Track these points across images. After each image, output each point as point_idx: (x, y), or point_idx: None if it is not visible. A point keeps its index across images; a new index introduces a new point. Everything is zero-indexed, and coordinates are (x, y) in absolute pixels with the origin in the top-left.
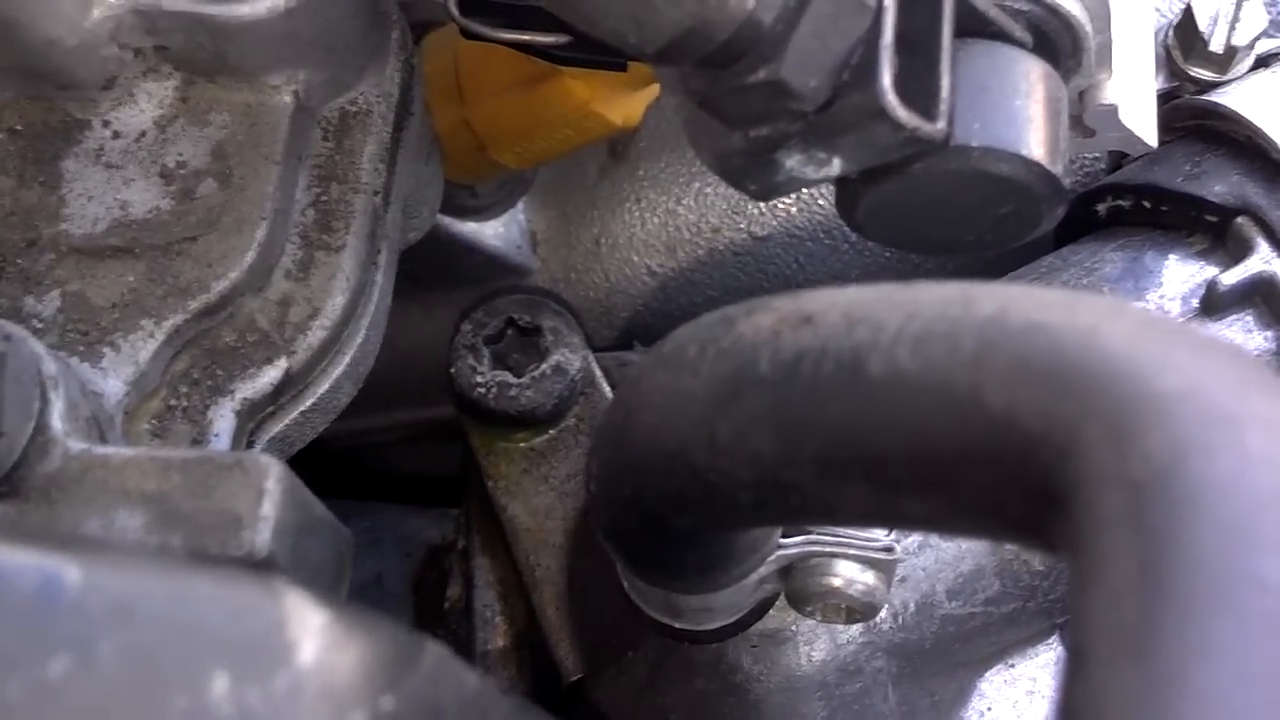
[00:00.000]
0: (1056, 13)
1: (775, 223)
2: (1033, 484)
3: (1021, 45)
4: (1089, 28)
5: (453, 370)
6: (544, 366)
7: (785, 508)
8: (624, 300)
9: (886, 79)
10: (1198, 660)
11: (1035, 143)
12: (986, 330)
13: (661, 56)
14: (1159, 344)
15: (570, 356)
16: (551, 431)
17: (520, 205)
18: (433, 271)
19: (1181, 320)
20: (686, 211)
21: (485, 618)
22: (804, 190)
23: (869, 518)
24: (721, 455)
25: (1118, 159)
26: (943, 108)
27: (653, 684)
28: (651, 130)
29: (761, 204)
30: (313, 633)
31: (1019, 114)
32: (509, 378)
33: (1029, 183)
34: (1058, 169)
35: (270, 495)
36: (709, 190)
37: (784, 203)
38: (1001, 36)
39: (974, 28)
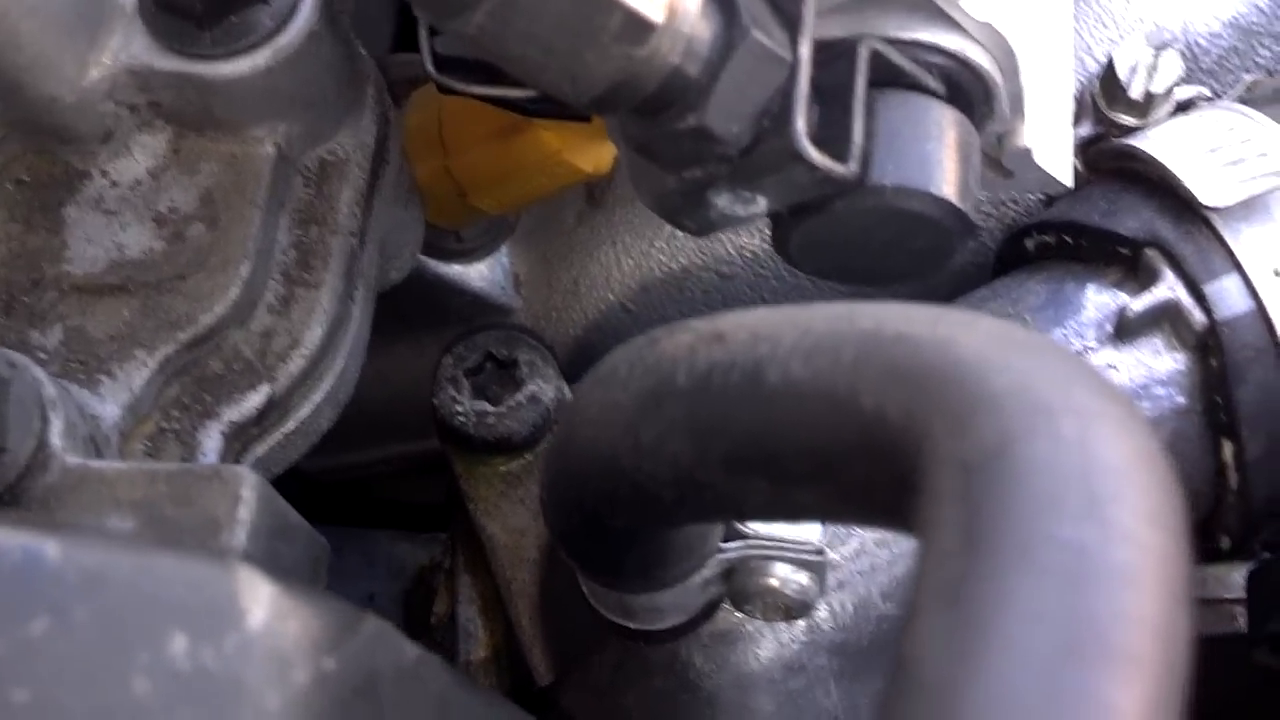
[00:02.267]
0: (967, 65)
1: (741, 263)
2: (896, 473)
3: (934, 94)
4: (999, 79)
5: (435, 401)
6: (520, 396)
7: (702, 504)
8: (601, 336)
9: (800, 125)
10: (1001, 606)
11: (945, 182)
12: (864, 342)
13: (597, 106)
14: (999, 349)
15: (544, 387)
16: (527, 456)
17: (504, 249)
18: (422, 311)
19: (1048, 335)
20: (658, 254)
21: (468, 631)
22: (766, 235)
23: (771, 510)
24: (645, 458)
25: (1051, 200)
26: (854, 151)
27: (614, 684)
28: (625, 179)
29: (728, 245)
30: (262, 601)
31: (930, 157)
32: (487, 407)
33: (939, 218)
34: (966, 206)
35: (246, 502)
36: (679, 235)
37: (750, 245)
38: (916, 86)
39: (890, 79)
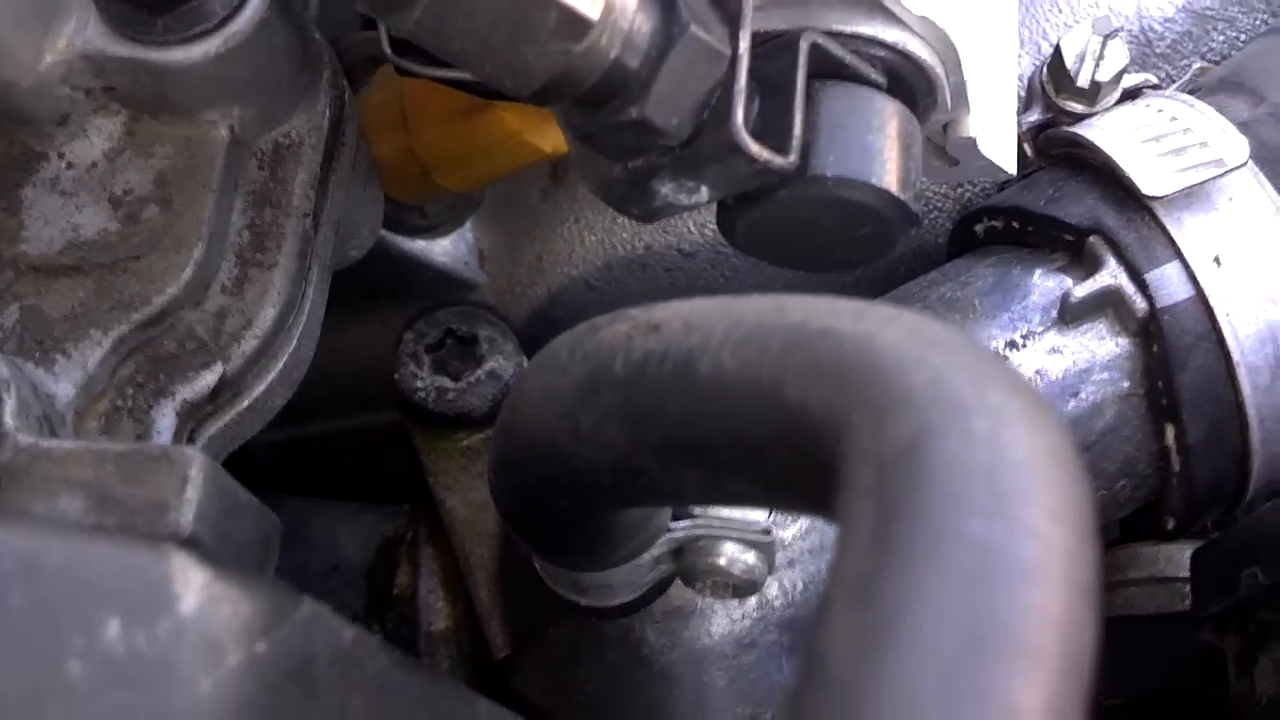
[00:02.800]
0: (908, 58)
1: (703, 240)
2: (819, 464)
3: (876, 86)
4: (940, 70)
5: (396, 376)
6: (479, 372)
7: (638, 489)
8: (565, 312)
9: (739, 118)
10: (909, 603)
11: (885, 173)
12: (790, 334)
13: (538, 98)
14: (918, 345)
15: (504, 363)
16: (487, 432)
17: (468, 225)
18: (386, 286)
19: (987, 327)
20: (621, 230)
21: (429, 602)
22: None
23: (705, 497)
24: (584, 444)
25: (1005, 185)
26: (794, 143)
27: (569, 659)
28: None
29: (691, 223)
30: (194, 587)
31: (871, 147)
32: (447, 382)
33: (879, 208)
34: (907, 195)
35: (193, 482)
36: None
37: (711, 223)
38: (857, 79)
39: (831, 71)
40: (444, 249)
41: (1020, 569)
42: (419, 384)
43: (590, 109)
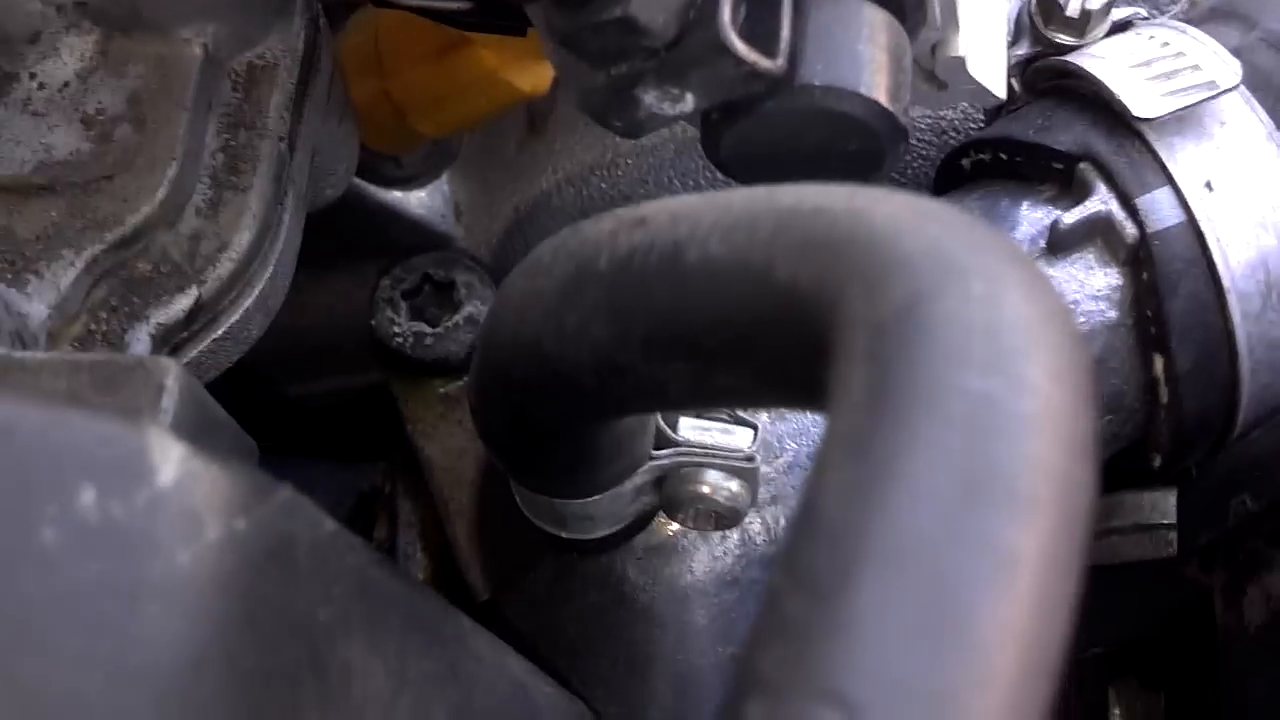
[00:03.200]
0: None
1: (683, 190)
2: (811, 344)
3: None
4: None
5: (373, 322)
6: (457, 318)
7: (624, 390)
8: None
9: (727, 16)
10: (906, 452)
11: (875, 84)
12: (781, 216)
13: None
14: (912, 217)
15: (482, 308)
16: (465, 378)
17: (445, 176)
18: (362, 239)
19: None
20: (599, 181)
21: (407, 554)
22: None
23: (693, 396)
24: (568, 344)
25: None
26: (782, 46)
27: (551, 600)
28: (567, 105)
29: (671, 174)
30: (172, 460)
31: (860, 57)
32: (425, 328)
33: (868, 120)
34: (897, 109)
35: (169, 391)
36: (620, 161)
37: (691, 170)
38: None
39: None
40: (420, 201)
41: (1018, 421)
42: (396, 330)
43: (574, 8)
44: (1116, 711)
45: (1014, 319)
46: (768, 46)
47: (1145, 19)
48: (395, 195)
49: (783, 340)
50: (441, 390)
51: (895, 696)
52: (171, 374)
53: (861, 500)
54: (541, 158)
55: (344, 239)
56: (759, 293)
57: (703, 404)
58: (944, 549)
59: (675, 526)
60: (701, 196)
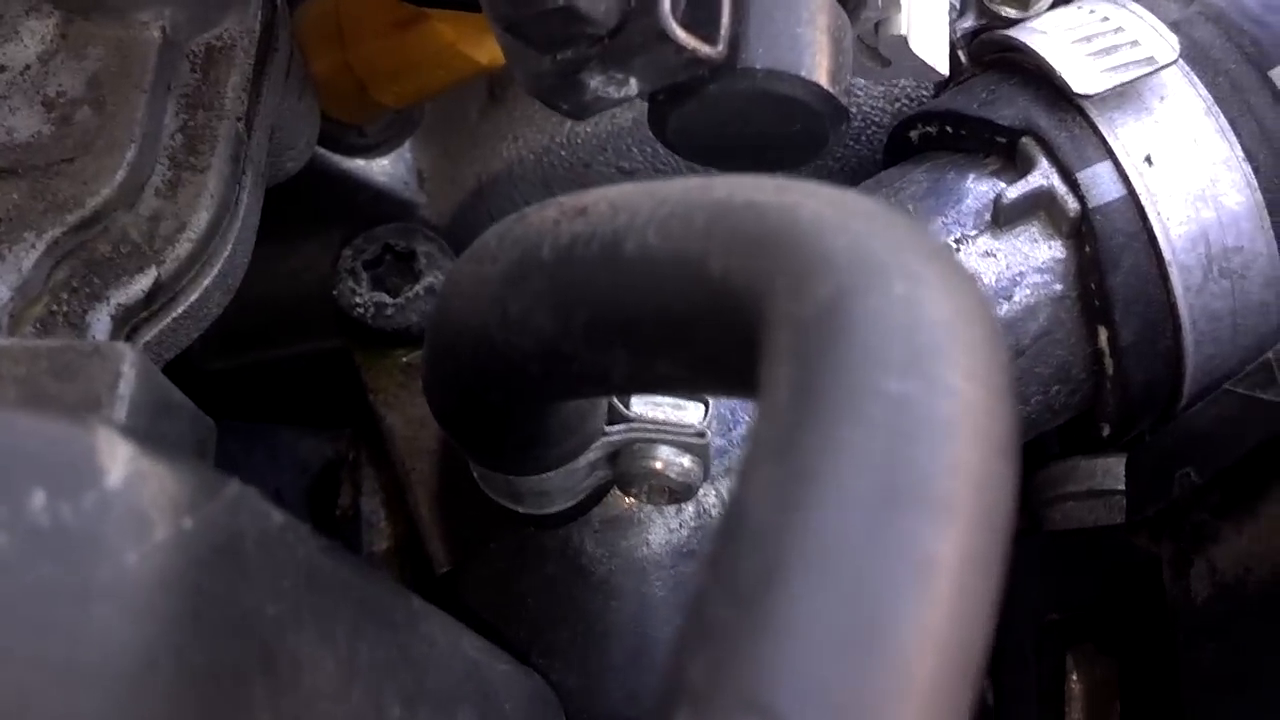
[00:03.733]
0: None
1: (642, 159)
2: (741, 336)
3: None
4: None
5: (335, 292)
6: (418, 288)
7: (568, 376)
8: None
9: (666, 5)
10: (827, 455)
11: (815, 66)
12: (714, 209)
13: None
14: (840, 214)
15: (442, 278)
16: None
17: (407, 145)
18: (325, 207)
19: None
20: (559, 149)
21: (371, 523)
22: None
23: (634, 382)
24: (512, 331)
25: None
26: (723, 32)
27: (510, 572)
28: None
29: (631, 142)
30: (120, 460)
31: (800, 40)
32: (386, 298)
33: (810, 102)
34: (837, 90)
35: (126, 378)
36: (580, 129)
37: (650, 139)
38: None
39: None
40: (383, 169)
41: (936, 424)
42: (358, 300)
43: None
44: (1074, 676)
45: (933, 319)
46: (708, 32)
47: None
48: (358, 164)
49: (717, 332)
50: (404, 360)
51: (818, 708)
52: (128, 360)
53: (783, 504)
54: (502, 126)
55: (309, 207)
56: (694, 285)
57: (645, 390)
58: (864, 555)
59: (631, 499)
60: (640, 186)
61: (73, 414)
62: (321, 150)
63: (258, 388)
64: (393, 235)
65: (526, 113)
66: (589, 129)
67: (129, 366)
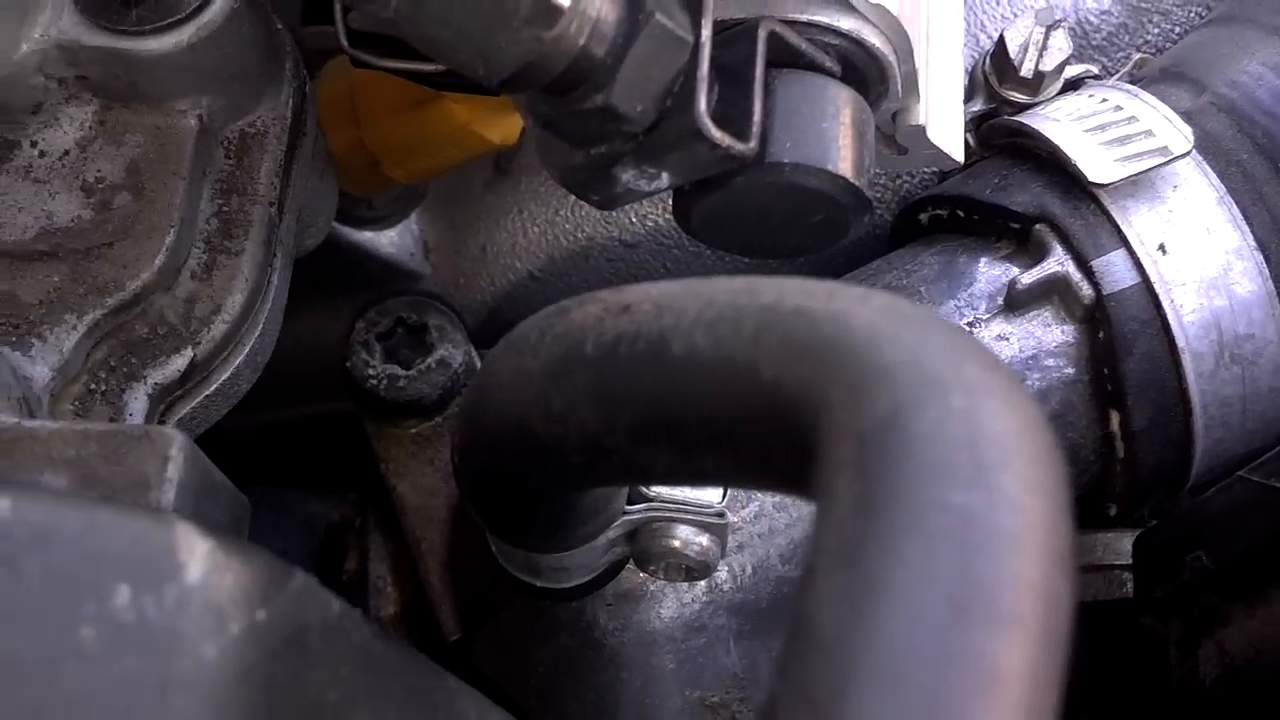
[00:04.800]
0: (862, 46)
1: (644, 231)
2: (794, 441)
3: (831, 74)
4: (893, 59)
5: (348, 364)
6: (429, 360)
7: (610, 468)
8: (509, 303)
9: (702, 105)
10: (894, 567)
11: (840, 159)
12: (763, 315)
13: (506, 86)
14: (891, 323)
15: (453, 351)
16: (437, 419)
17: (414, 216)
18: (335, 277)
19: (956, 314)
20: (564, 222)
21: (378, 588)
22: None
23: (676, 475)
24: (555, 424)
25: (946, 174)
26: (754, 129)
27: (522, 641)
28: (532, 148)
29: (633, 215)
30: (198, 556)
31: (826, 134)
32: (398, 370)
33: (835, 194)
34: (861, 182)
35: (174, 461)
36: (583, 204)
37: (653, 214)
38: (813, 67)
39: (789, 59)
40: (390, 240)
41: (1001, 537)
42: (371, 372)
43: (556, 96)
44: None
45: (992, 433)
46: (740, 129)
47: (1096, 78)
48: (367, 235)
49: (767, 435)
50: (413, 431)
51: None
52: (175, 444)
53: (854, 615)
54: (508, 199)
55: (318, 277)
56: (745, 390)
57: (686, 483)
58: (934, 667)
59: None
60: (682, 284)
61: (153, 513)
62: (333, 222)
63: (264, 449)
64: (405, 308)
65: (532, 186)
66: None
67: (177, 450)
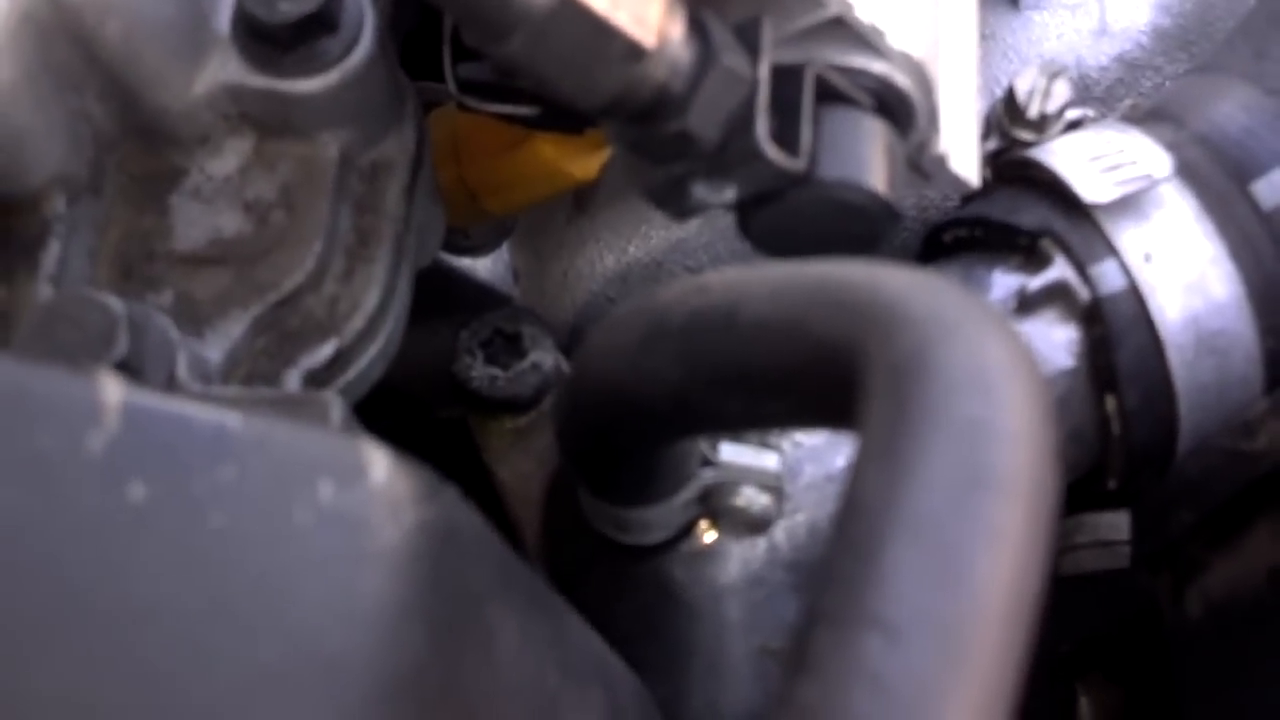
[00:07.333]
0: (891, 87)
1: (707, 259)
2: (841, 382)
3: (866, 108)
4: (918, 97)
5: (454, 369)
6: (524, 364)
7: (691, 418)
8: (587, 322)
9: (762, 130)
10: (919, 454)
11: (876, 178)
12: (813, 284)
13: (602, 114)
14: (914, 286)
15: (544, 356)
16: (531, 414)
17: (505, 246)
18: (436, 298)
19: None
20: (635, 250)
21: None
22: (731, 234)
23: (748, 420)
24: (645, 384)
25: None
26: (804, 151)
27: (605, 599)
28: (607, 187)
29: (695, 244)
30: (378, 462)
31: (864, 157)
32: (497, 372)
33: (871, 207)
34: (893, 198)
35: (335, 414)
36: (653, 234)
37: (713, 244)
38: (852, 102)
39: (832, 95)
40: (485, 266)
41: (1003, 434)
42: (474, 374)
43: (640, 123)
44: (1084, 701)
45: (995, 362)
46: (792, 149)
47: (1094, 119)
48: (465, 262)
49: (819, 380)
50: (509, 425)
51: (920, 622)
52: (335, 406)
53: (889, 489)
54: (585, 231)
55: (421, 299)
56: (799, 345)
57: (755, 428)
58: (950, 525)
59: (713, 535)
60: (746, 269)
61: (340, 432)
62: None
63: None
64: (501, 320)
65: (606, 220)
66: (660, 232)
67: (336, 412)
